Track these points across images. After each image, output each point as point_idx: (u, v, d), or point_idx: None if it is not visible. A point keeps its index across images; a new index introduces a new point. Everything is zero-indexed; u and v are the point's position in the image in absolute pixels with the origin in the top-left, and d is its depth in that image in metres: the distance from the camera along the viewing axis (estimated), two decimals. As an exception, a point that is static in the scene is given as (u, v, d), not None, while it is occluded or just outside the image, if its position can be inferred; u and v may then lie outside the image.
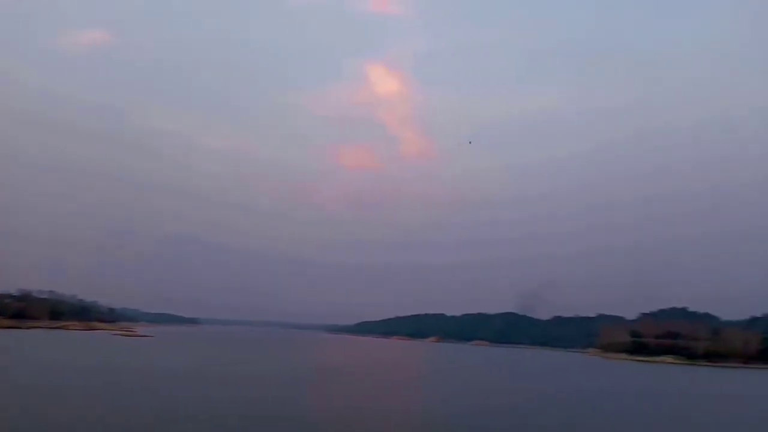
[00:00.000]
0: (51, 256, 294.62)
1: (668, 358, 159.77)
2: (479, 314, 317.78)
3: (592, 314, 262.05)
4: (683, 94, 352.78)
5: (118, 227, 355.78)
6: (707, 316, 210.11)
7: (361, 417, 34.48)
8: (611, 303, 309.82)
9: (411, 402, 45.20)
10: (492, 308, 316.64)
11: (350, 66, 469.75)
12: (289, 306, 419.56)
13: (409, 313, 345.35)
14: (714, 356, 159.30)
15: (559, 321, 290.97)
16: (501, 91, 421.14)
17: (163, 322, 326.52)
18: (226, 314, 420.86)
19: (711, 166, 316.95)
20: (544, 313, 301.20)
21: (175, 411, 32.38)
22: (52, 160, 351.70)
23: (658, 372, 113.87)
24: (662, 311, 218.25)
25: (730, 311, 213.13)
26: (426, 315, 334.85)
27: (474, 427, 33.64)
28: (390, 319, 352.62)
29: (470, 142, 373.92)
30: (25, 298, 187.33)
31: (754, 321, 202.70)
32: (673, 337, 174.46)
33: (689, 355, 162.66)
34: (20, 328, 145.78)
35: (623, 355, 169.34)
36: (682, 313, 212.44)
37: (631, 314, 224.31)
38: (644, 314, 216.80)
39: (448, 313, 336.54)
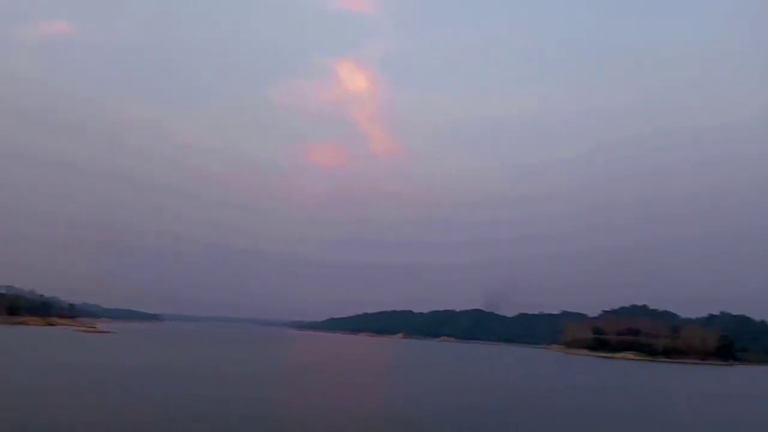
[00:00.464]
0: (7, 251, 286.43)
1: (629, 354, 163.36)
2: (446, 311, 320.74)
3: (556, 311, 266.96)
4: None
5: (77, 220, 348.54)
6: (667, 314, 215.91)
7: (329, 416, 34.30)
8: (575, 301, 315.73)
9: (382, 400, 45.14)
10: (460, 306, 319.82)
11: (320, 63, 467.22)
12: (255, 301, 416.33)
13: (377, 310, 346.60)
14: (673, 353, 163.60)
15: (524, 318, 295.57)
16: (476, 92, 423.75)
17: (125, 319, 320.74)
18: (190, 310, 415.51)
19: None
20: (509, 311, 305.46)
21: (127, 410, 31.74)
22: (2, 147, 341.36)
23: (618, 368, 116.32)
24: (623, 309, 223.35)
25: (689, 309, 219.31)
26: (394, 312, 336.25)
27: (446, 426, 33.75)
28: (358, 316, 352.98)
29: None
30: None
31: (711, 319, 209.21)
32: (634, 334, 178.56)
33: (650, 351, 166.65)
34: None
35: (585, 351, 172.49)
36: (643, 311, 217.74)
37: (594, 312, 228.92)
38: (606, 311, 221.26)
39: (416, 310, 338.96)
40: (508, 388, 61.43)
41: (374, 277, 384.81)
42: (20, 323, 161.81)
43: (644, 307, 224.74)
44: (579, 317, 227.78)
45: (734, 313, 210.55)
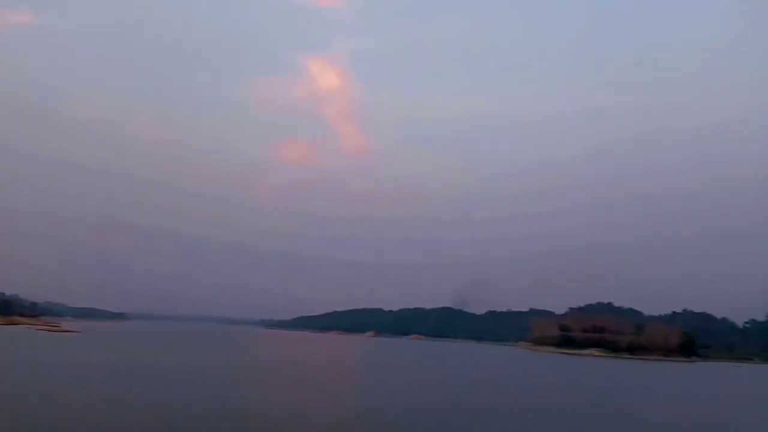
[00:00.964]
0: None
1: (595, 351, 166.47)
2: (416, 309, 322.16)
3: (524, 309, 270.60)
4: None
5: (37, 215, 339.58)
6: (631, 311, 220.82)
7: (300, 416, 34.16)
8: (543, 298, 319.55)
9: (353, 398, 45.06)
10: (430, 304, 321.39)
11: (291, 58, 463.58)
12: (223, 299, 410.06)
13: (346, 308, 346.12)
14: (637, 349, 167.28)
15: (492, 315, 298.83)
16: (450, 90, 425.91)
17: (90, 317, 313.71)
18: (156, 308, 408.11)
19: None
20: (478, 308, 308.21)
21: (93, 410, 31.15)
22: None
23: (584, 364, 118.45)
24: (590, 306, 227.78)
25: (653, 306, 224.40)
26: (364, 310, 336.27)
27: (417, 424, 33.89)
28: (328, 314, 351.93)
29: None
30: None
31: (674, 316, 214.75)
32: (600, 331, 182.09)
33: (614, 348, 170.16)
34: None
35: (552, 348, 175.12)
36: (608, 308, 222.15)
37: (561, 309, 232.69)
38: (573, 309, 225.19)
39: (386, 308, 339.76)
40: (478, 385, 61.99)
41: (344, 275, 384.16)
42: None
43: (609, 304, 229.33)
44: (546, 314, 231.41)
45: (697, 310, 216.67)
